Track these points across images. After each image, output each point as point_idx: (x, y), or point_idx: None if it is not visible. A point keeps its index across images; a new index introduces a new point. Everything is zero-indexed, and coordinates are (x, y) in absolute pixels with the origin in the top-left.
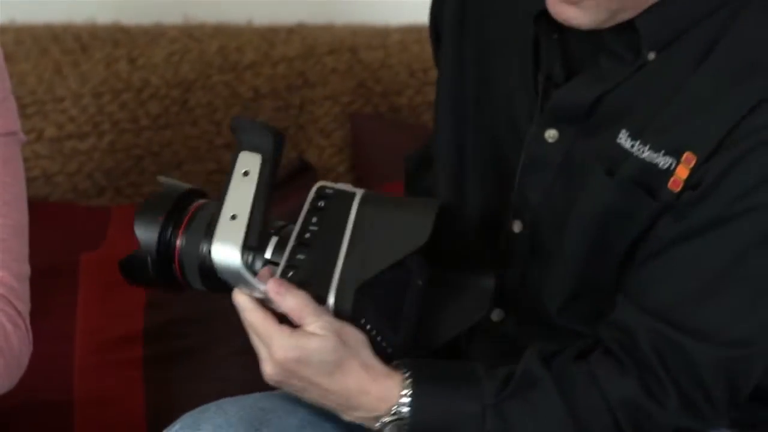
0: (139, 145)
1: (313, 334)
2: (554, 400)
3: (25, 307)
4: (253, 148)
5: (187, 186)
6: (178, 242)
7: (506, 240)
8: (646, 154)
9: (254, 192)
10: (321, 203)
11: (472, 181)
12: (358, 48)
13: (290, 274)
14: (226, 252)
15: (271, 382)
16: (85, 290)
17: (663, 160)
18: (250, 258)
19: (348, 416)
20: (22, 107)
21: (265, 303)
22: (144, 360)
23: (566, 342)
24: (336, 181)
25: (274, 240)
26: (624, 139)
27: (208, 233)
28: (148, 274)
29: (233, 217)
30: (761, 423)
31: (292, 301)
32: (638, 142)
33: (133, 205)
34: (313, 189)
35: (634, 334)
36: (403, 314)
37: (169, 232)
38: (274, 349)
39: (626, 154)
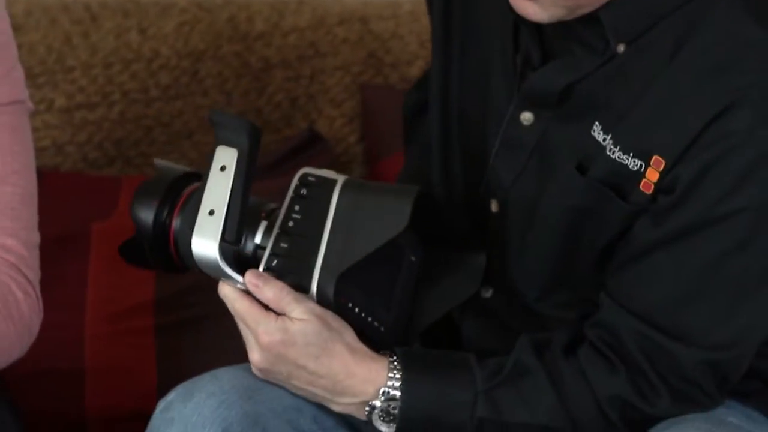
0: (149, 115)
1: (296, 318)
2: (545, 389)
3: (35, 276)
4: (229, 143)
5: (182, 169)
6: (173, 224)
7: (487, 219)
8: (617, 154)
9: (231, 187)
10: (303, 191)
11: (458, 160)
12: (368, 18)
13: (274, 262)
14: (204, 247)
15: (259, 373)
16: (96, 260)
17: (632, 162)
18: (242, 242)
19: (337, 405)
20: (32, 77)
21: (250, 293)
22: (155, 329)
23: (551, 323)
24: (346, 152)
25: (263, 225)
26: (597, 132)
27: None
28: (147, 257)
29: (211, 213)
30: (754, 393)
31: (270, 291)
32: (609, 137)
33: (143, 176)
34: (296, 176)
35: (620, 335)
36: (395, 292)
37: (164, 214)
38: (260, 333)
39: (599, 149)
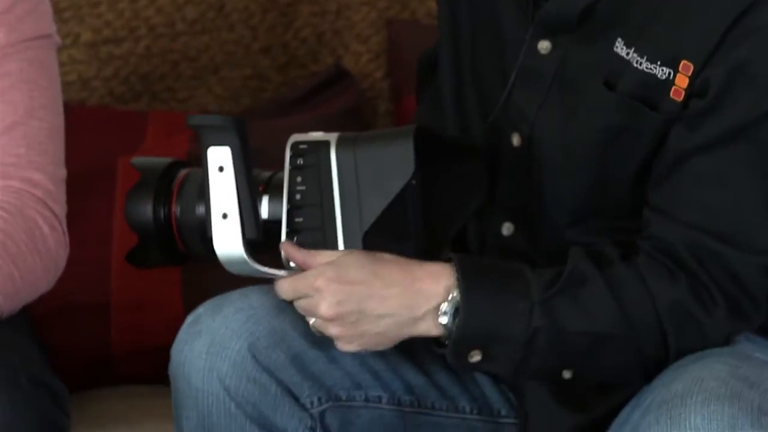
0: (175, 49)
1: (339, 256)
2: (604, 296)
3: (61, 210)
4: (219, 143)
5: (164, 161)
6: (174, 210)
7: (508, 154)
8: (644, 65)
9: (235, 186)
10: (300, 161)
11: (472, 100)
12: None
13: (295, 239)
14: (229, 251)
15: (333, 328)
16: (122, 194)
17: (660, 71)
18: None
19: (414, 326)
20: (58, 12)
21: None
22: None
23: None
24: (372, 88)
25: (265, 199)
26: (620, 48)
27: (201, 195)
28: (154, 257)
29: (224, 216)
30: None
31: (300, 253)
32: (633, 50)
33: (170, 111)
34: (288, 147)
35: (674, 245)
36: (408, 221)
37: (162, 204)
38: (313, 281)
39: (625, 64)
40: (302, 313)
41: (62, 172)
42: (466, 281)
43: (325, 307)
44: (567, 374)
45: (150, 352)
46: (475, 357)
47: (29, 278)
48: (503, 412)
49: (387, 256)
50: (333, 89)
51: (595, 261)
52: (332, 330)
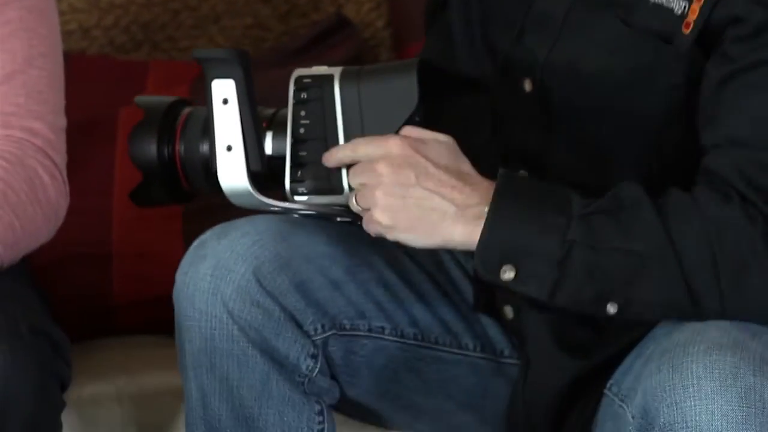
0: None
1: None
2: (649, 219)
3: (61, 159)
4: (222, 75)
5: (167, 99)
6: (177, 148)
7: (521, 100)
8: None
9: (240, 118)
10: (303, 95)
11: (481, 38)
12: None
13: (299, 173)
14: (234, 182)
15: (379, 187)
16: (123, 144)
17: (678, 5)
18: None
19: (454, 225)
20: None
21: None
22: (183, 214)
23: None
24: (374, 36)
25: (269, 135)
26: None
27: (205, 133)
28: (157, 194)
29: (229, 148)
30: None
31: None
32: None
33: (171, 60)
34: (291, 81)
35: (726, 171)
36: None
37: (166, 142)
38: (390, 139)
39: (640, 0)
40: (356, 170)
41: (62, 121)
42: (501, 189)
43: (386, 163)
44: (612, 309)
45: (151, 302)
46: (508, 273)
47: (29, 228)
48: (506, 353)
49: (466, 160)
50: (334, 38)
51: (643, 188)
52: (378, 187)
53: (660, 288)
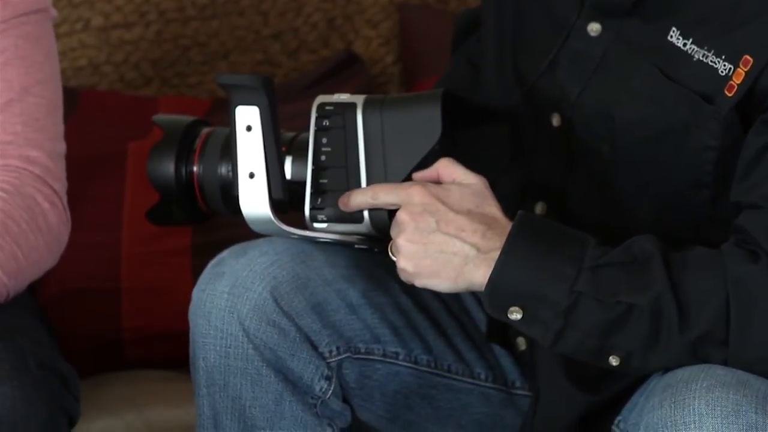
0: (185, 35)
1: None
2: (658, 276)
3: (61, 186)
4: (247, 102)
5: (186, 119)
6: (195, 169)
7: (547, 134)
8: (709, 58)
9: (263, 146)
10: (326, 122)
11: (511, 76)
12: None
13: (319, 200)
14: (255, 210)
15: (402, 233)
16: (132, 179)
17: (723, 66)
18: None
19: (476, 269)
20: None
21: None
22: (192, 249)
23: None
24: (383, 72)
25: (288, 159)
26: (676, 38)
27: (224, 155)
28: (175, 215)
29: (251, 176)
30: None
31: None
32: (691, 41)
33: (181, 96)
34: (314, 108)
35: (758, 231)
36: None
37: (184, 163)
38: (413, 187)
39: (681, 54)
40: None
41: (61, 148)
42: (515, 232)
43: (407, 212)
44: (614, 361)
45: (160, 336)
46: (515, 314)
47: (32, 256)
48: (517, 384)
49: (493, 203)
50: (343, 74)
51: (662, 241)
52: (400, 236)
53: (662, 343)
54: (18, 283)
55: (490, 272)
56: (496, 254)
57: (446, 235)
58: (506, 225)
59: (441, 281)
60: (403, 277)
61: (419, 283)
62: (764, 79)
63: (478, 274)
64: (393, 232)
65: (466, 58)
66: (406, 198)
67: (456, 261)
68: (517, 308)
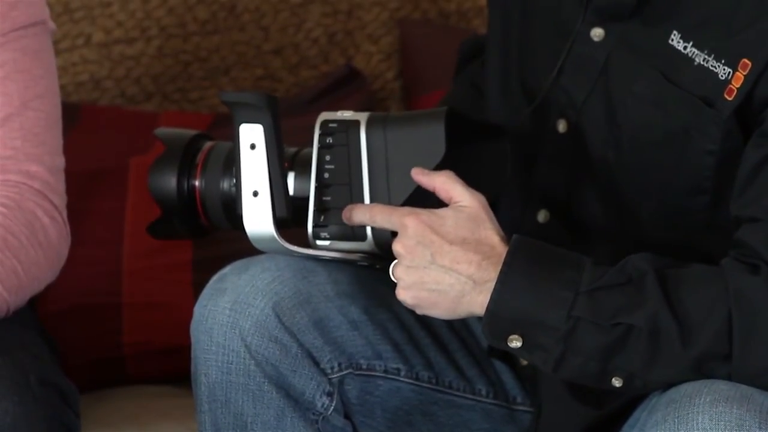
0: (186, 50)
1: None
2: (654, 295)
3: (60, 200)
4: (251, 120)
5: (188, 133)
6: (197, 184)
7: (552, 140)
8: (710, 62)
9: (267, 164)
10: (329, 140)
11: (517, 79)
12: None
13: (322, 218)
14: (259, 229)
15: (400, 264)
16: (133, 194)
17: (723, 70)
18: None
19: (473, 298)
20: (70, 12)
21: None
22: (193, 264)
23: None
24: (384, 88)
25: (291, 175)
26: (677, 42)
27: (226, 170)
28: (176, 229)
29: (255, 194)
30: None
31: (370, 208)
32: (691, 45)
33: (182, 111)
34: (317, 125)
35: (759, 244)
36: (434, 205)
37: (186, 177)
38: (406, 215)
39: (682, 58)
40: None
41: (60, 162)
42: (509, 260)
43: (401, 244)
44: (617, 383)
45: (161, 352)
46: (515, 342)
47: (33, 271)
48: (519, 400)
49: (490, 226)
50: (344, 90)
51: (659, 258)
52: (398, 267)
53: (663, 361)
54: (18, 298)
55: (487, 302)
56: (492, 285)
57: (441, 268)
58: (502, 252)
59: (440, 312)
60: (404, 303)
61: (420, 311)
62: (762, 84)
63: (476, 305)
64: (394, 256)
65: (469, 81)
66: (400, 227)
67: (453, 293)
68: (516, 336)
